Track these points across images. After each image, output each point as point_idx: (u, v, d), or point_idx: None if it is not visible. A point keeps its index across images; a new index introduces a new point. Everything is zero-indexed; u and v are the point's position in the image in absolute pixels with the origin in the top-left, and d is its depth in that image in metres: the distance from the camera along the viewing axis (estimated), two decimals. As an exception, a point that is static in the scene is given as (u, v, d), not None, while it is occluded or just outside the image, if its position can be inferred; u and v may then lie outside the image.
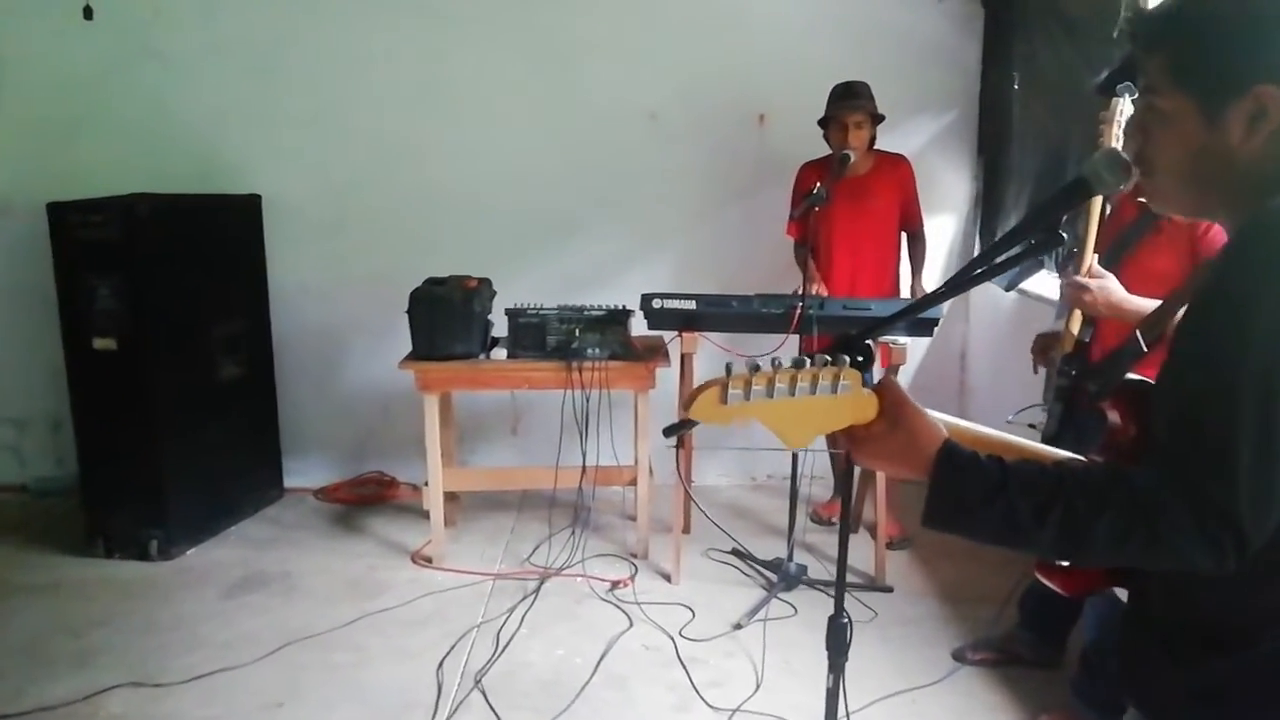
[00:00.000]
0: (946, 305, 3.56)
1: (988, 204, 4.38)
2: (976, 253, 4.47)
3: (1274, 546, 0.95)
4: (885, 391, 1.10)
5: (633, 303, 3.66)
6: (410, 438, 4.34)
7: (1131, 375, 1.48)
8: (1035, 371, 2.78)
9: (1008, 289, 4.06)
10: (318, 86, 4.29)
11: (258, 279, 4.31)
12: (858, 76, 3.83)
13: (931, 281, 4.08)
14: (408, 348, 3.68)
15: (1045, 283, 3.91)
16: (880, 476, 3.65)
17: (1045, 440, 2.76)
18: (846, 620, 1.70)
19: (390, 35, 4.26)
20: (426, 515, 3.77)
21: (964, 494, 1.03)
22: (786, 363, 1.03)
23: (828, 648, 1.72)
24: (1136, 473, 0.96)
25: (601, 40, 4.30)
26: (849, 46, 4.22)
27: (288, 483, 4.51)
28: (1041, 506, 0.99)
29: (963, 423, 1.21)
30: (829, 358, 1.04)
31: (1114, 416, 1.32)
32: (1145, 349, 1.26)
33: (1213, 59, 1.01)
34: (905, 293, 4.01)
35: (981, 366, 4.38)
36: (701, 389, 1.03)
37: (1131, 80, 2.23)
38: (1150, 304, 2.27)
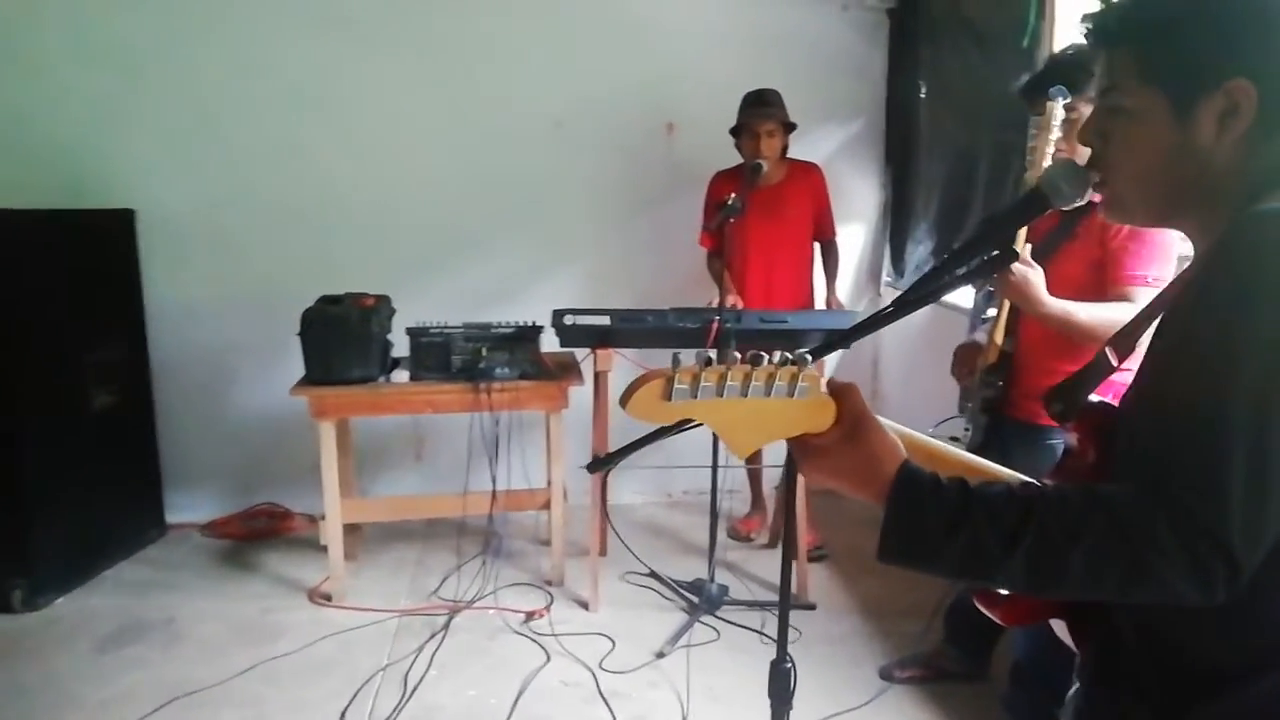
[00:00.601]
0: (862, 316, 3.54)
1: (896, 212, 4.37)
2: (886, 261, 4.47)
3: (1265, 582, 0.86)
4: (844, 398, 0.97)
5: (541, 319, 3.51)
6: (305, 465, 4.06)
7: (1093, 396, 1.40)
8: (963, 382, 2.73)
9: (919, 297, 4.05)
10: (195, 92, 3.99)
11: (133, 300, 3.99)
12: (765, 84, 3.77)
13: (843, 290, 4.05)
14: (301, 370, 3.44)
15: (957, 291, 3.91)
16: (801, 487, 3.57)
17: (971, 451, 2.73)
18: (790, 665, 1.57)
19: (277, 38, 3.99)
20: (324, 549, 3.52)
21: (925, 523, 0.92)
22: (738, 355, 0.92)
23: (770, 695, 1.60)
24: (1116, 495, 0.87)
25: (504, 46, 4.13)
26: (756, 54, 4.17)
27: (170, 518, 4.18)
28: (1010, 534, 0.88)
29: (917, 434, 1.10)
30: (789, 355, 0.91)
31: (1070, 438, 1.24)
32: (1115, 364, 1.17)
33: (1183, 52, 0.96)
34: (819, 303, 3.95)
35: (893, 374, 4.37)
36: (642, 381, 0.91)
37: (1064, 83, 2.21)
38: (1059, 305, 2.23)
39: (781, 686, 1.59)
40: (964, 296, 3.78)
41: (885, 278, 4.50)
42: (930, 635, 3.02)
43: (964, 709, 2.83)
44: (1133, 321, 1.18)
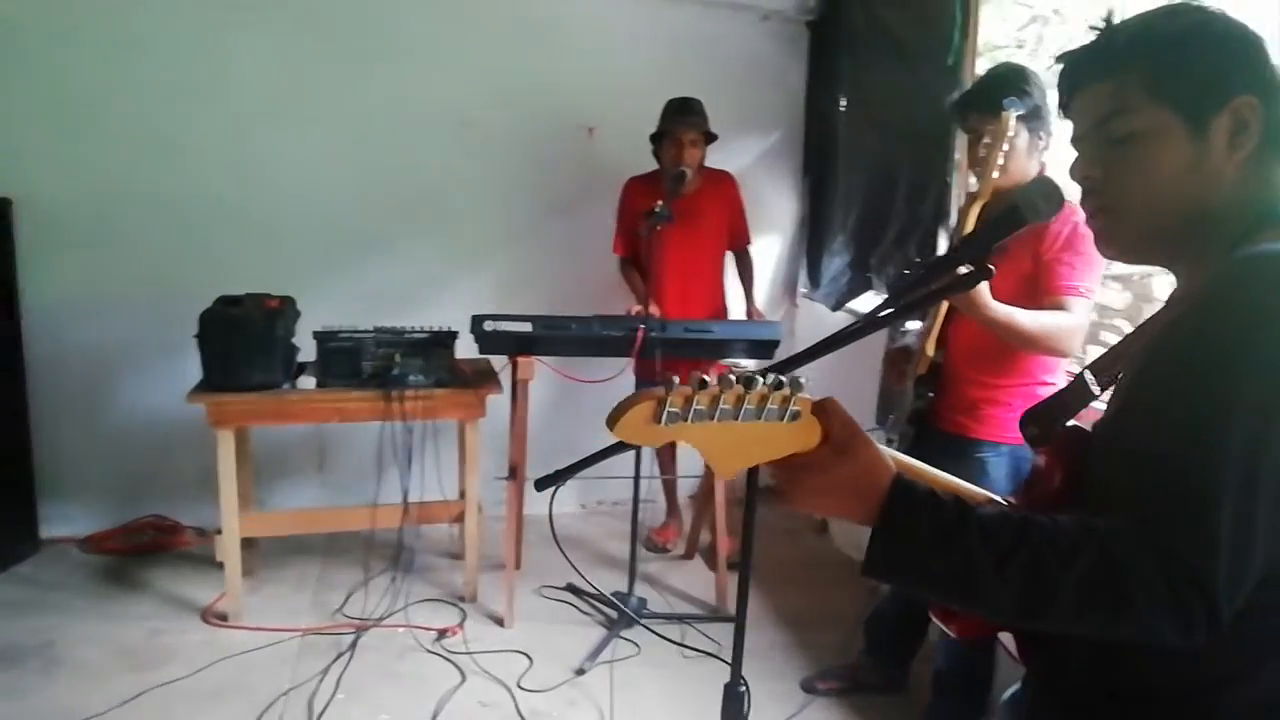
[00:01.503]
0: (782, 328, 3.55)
1: (813, 224, 4.40)
2: (803, 272, 4.49)
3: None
4: (830, 415, 0.94)
5: (452, 323, 3.39)
6: (195, 476, 3.85)
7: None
8: (897, 385, 2.73)
9: (834, 308, 4.08)
10: (80, 75, 3.69)
11: (6, 295, 3.67)
12: (685, 92, 3.74)
13: (759, 300, 4.04)
14: (193, 374, 3.22)
15: (872, 301, 3.96)
16: (720, 495, 3.54)
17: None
18: (744, 688, 1.51)
19: (168, 20, 3.73)
20: (218, 565, 3.30)
21: (919, 538, 0.90)
22: (733, 380, 0.88)
23: (723, 718, 1.54)
24: (1110, 531, 0.86)
25: (410, 38, 3.97)
26: (676, 61, 4.14)
27: (45, 532, 3.86)
28: (1003, 555, 0.87)
29: (900, 455, 1.08)
30: (782, 379, 0.89)
31: (1039, 460, 1.23)
32: (1097, 393, 1.16)
33: (1194, 69, 0.97)
34: (733, 313, 3.93)
35: (807, 385, 4.39)
36: (632, 402, 0.87)
37: (1015, 96, 2.23)
38: (1004, 311, 2.26)
39: (735, 709, 1.52)
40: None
41: (801, 289, 4.52)
42: (850, 648, 3.03)
43: (887, 717, 2.84)
44: (1112, 351, 1.17)
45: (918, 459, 2.77)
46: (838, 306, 4.05)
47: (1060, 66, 1.07)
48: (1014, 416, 2.60)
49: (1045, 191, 1.15)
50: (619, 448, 1.33)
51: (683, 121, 3.58)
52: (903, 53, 3.49)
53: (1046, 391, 2.53)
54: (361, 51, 3.93)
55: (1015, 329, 2.27)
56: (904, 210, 3.50)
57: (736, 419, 0.90)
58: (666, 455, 4.12)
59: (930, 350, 2.53)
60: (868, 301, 3.96)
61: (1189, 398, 0.88)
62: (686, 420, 0.88)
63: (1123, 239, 1.05)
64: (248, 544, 3.48)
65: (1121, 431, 1.00)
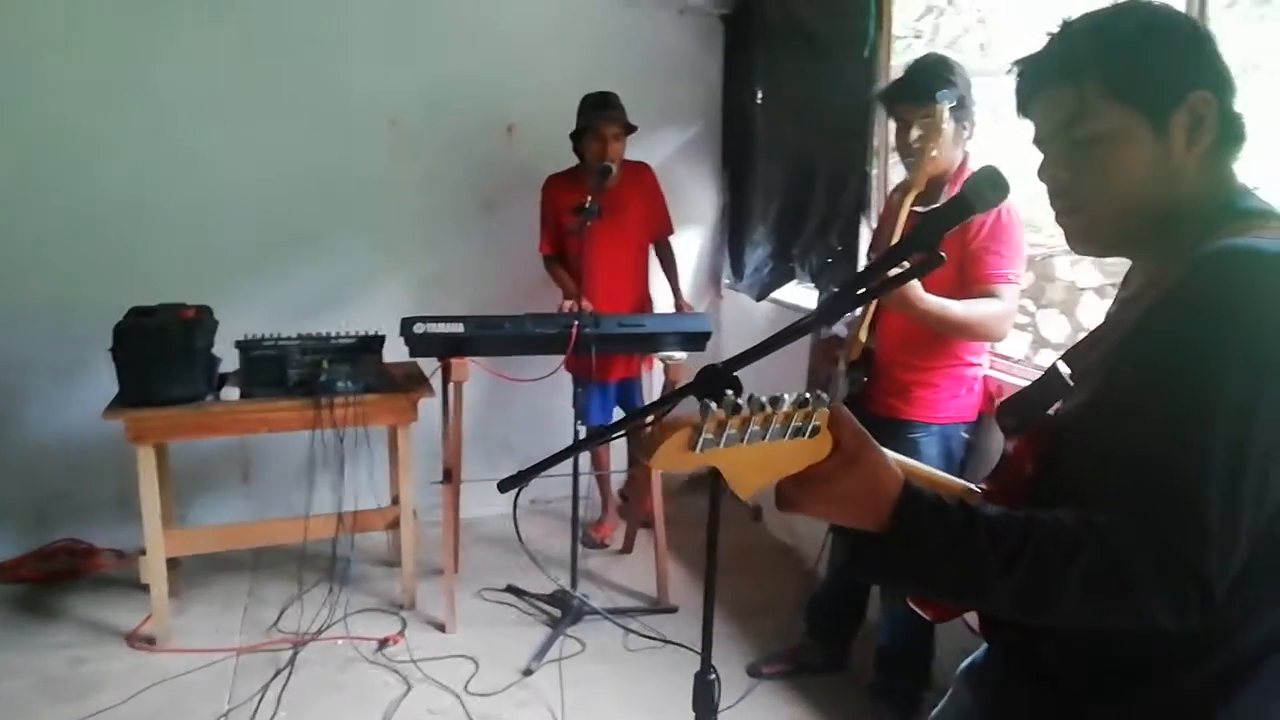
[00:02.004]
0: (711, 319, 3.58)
1: (734, 215, 4.45)
2: (726, 263, 4.54)
3: None
4: (842, 425, 0.94)
5: (375, 327, 3.33)
6: (109, 495, 3.71)
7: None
8: (823, 371, 2.78)
9: (759, 298, 4.14)
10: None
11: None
12: (604, 87, 3.74)
13: (684, 291, 4.06)
14: (102, 390, 3.11)
15: (796, 291, 4.03)
16: (657, 488, 3.55)
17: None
18: (714, 676, 1.53)
19: (73, 16, 3.56)
20: (139, 587, 3.19)
21: (928, 545, 0.92)
22: (763, 401, 0.87)
23: (694, 708, 1.56)
24: (1106, 526, 0.90)
25: (331, 37, 3.87)
26: (595, 56, 4.13)
27: (-53, 563, 3.66)
28: (1009, 555, 0.90)
29: (900, 457, 1.10)
30: (806, 396, 0.89)
31: (1009, 447, 1.27)
32: (1071, 384, 1.20)
33: (1151, 68, 1.00)
34: (659, 305, 3.95)
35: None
36: (667, 432, 0.86)
37: (938, 88, 2.30)
38: (935, 302, 2.33)
39: (706, 698, 1.54)
40: (807, 296, 3.91)
41: (725, 280, 4.58)
42: (792, 630, 3.09)
43: (830, 699, 2.91)
44: (1084, 341, 1.21)
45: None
46: (762, 296, 4.11)
47: (1017, 70, 1.10)
48: (943, 398, 2.70)
49: (993, 181, 1.20)
50: (580, 445, 1.33)
51: (604, 116, 3.58)
52: (817, 46, 3.55)
53: (972, 373, 2.63)
54: (282, 49, 3.82)
55: (950, 321, 2.35)
56: (824, 200, 3.57)
57: (764, 439, 0.89)
58: (601, 450, 4.12)
59: (863, 336, 2.59)
60: (791, 291, 4.03)
61: (1171, 399, 0.91)
62: (720, 446, 0.88)
63: (1093, 237, 1.09)
64: (171, 564, 3.35)
65: (1099, 427, 1.02)
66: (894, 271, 1.29)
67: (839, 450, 0.92)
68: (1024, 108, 1.10)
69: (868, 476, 0.92)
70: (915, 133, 2.45)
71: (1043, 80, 1.06)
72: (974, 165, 2.55)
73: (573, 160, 3.76)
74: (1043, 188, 1.15)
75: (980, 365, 2.63)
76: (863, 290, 1.35)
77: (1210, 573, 0.87)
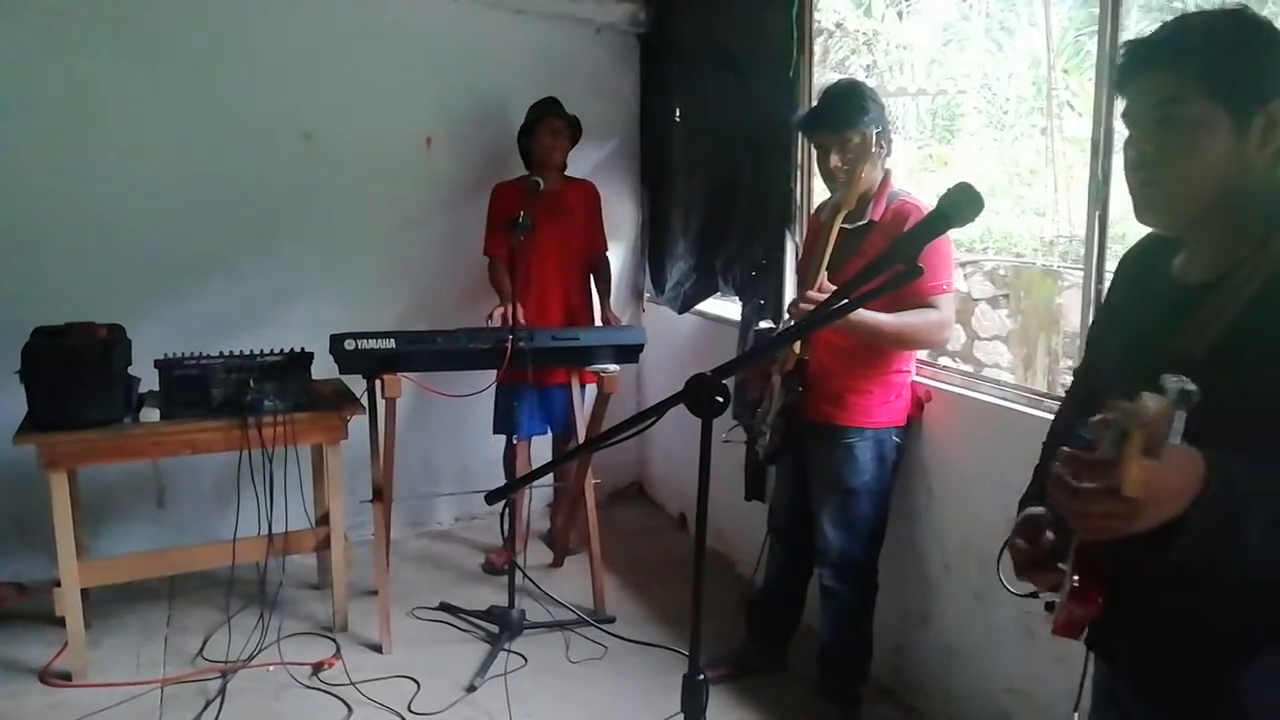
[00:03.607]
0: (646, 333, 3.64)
1: (654, 230, 4.52)
2: (647, 277, 4.61)
3: None
4: None
5: (297, 344, 3.25)
6: (7, 524, 3.51)
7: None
8: (753, 386, 2.87)
9: (681, 311, 4.22)
10: None
11: None
12: (522, 102, 3.81)
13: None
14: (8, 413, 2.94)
15: (718, 304, 4.13)
16: (591, 499, 3.57)
17: (767, 455, 2.89)
18: (704, 677, 1.58)
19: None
20: (46, 621, 3.05)
21: (1240, 503, 0.96)
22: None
23: (683, 709, 1.60)
24: None
25: (241, 51, 3.76)
26: (512, 71, 4.15)
27: None
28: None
29: None
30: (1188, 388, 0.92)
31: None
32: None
33: (1247, 72, 1.12)
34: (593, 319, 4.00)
35: (658, 385, 4.51)
36: (1132, 453, 0.89)
37: (854, 116, 2.43)
38: (870, 317, 2.45)
39: (694, 699, 1.59)
40: (730, 309, 4.00)
41: (646, 294, 4.64)
42: (730, 634, 3.16)
43: (775, 698, 2.98)
44: (1187, 330, 1.19)
45: (791, 450, 2.94)
46: (684, 309, 4.19)
47: (1125, 49, 1.20)
48: (875, 404, 2.83)
49: (969, 197, 1.29)
50: (573, 453, 1.34)
51: (554, 110, 3.70)
52: (738, 66, 3.65)
53: (902, 380, 2.76)
54: (188, 63, 3.69)
55: (882, 332, 2.48)
56: (747, 215, 3.66)
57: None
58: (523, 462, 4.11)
59: (796, 348, 2.69)
60: (714, 304, 4.13)
61: None
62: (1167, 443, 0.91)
63: (1163, 209, 1.19)
64: (81, 595, 3.19)
65: (1257, 398, 1.06)
66: (872, 285, 1.38)
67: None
68: (1123, 84, 1.21)
69: (1176, 456, 0.94)
70: (835, 159, 2.58)
71: (1149, 62, 1.16)
72: (894, 183, 2.70)
73: (489, 170, 3.82)
74: None
75: (909, 372, 2.77)
76: (845, 302, 1.42)
77: None
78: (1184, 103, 1.13)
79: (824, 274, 2.49)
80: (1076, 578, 1.16)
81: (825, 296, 2.40)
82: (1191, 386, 0.90)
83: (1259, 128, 1.12)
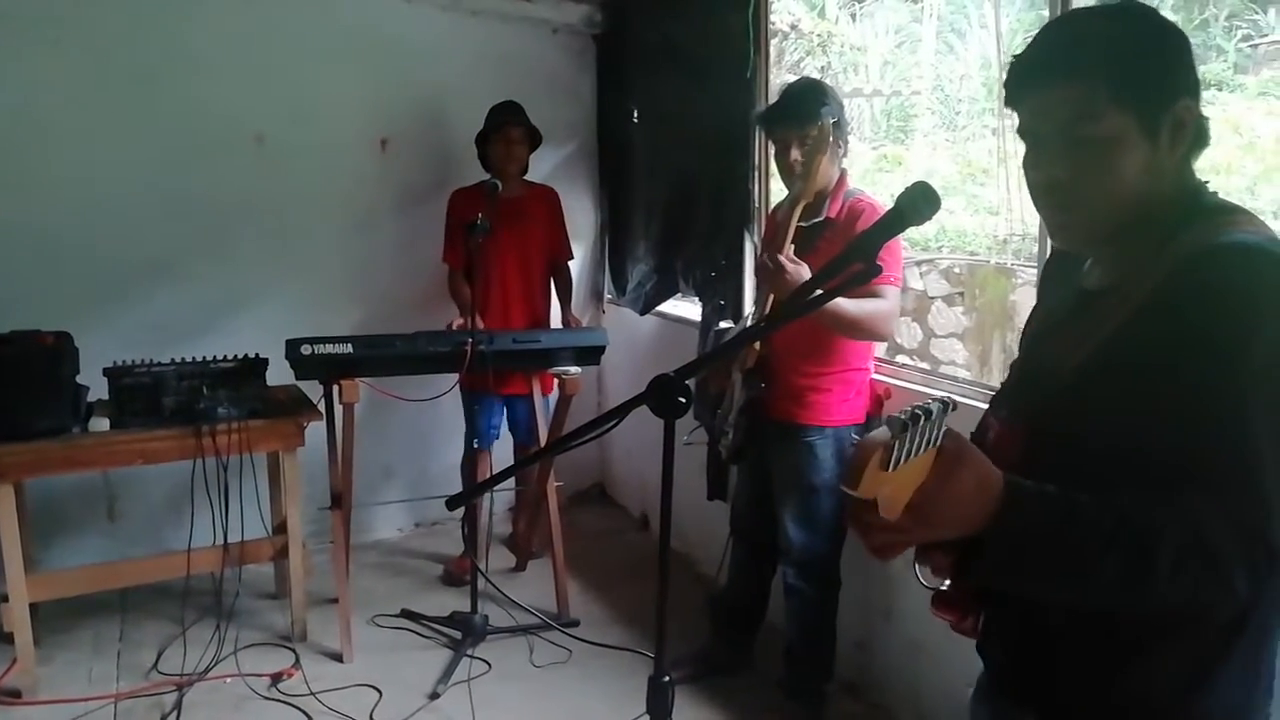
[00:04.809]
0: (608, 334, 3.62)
1: (614, 232, 4.51)
2: (607, 279, 4.60)
3: None
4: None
5: (250, 350, 3.19)
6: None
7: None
8: (721, 383, 2.87)
9: (643, 312, 4.22)
10: None
11: None
12: (478, 103, 3.77)
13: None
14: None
15: (679, 305, 4.14)
16: (553, 503, 3.55)
17: (731, 454, 2.90)
18: (669, 679, 1.57)
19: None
20: (-8, 639, 2.95)
21: (1041, 524, 0.94)
22: (916, 411, 0.88)
23: (649, 711, 1.59)
24: (1185, 506, 0.94)
25: (188, 54, 3.69)
26: (467, 72, 4.13)
27: None
28: (1109, 533, 0.93)
29: None
30: (929, 405, 0.90)
31: (991, 435, 1.30)
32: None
33: (1151, 75, 1.06)
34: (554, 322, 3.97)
35: (618, 387, 4.50)
36: (865, 458, 0.87)
37: (812, 111, 2.44)
38: (835, 302, 2.46)
39: (660, 702, 1.58)
40: (691, 309, 4.01)
41: (607, 295, 4.63)
42: (694, 633, 3.16)
43: (740, 697, 2.98)
44: (1058, 336, 1.21)
45: (752, 446, 2.95)
46: (646, 310, 4.19)
47: (1015, 62, 1.12)
48: (835, 402, 2.85)
49: (926, 195, 1.30)
50: (535, 457, 1.34)
51: (512, 119, 3.65)
52: (695, 67, 3.65)
53: (860, 377, 2.78)
54: (134, 66, 3.62)
55: (842, 316, 2.49)
56: (707, 215, 3.67)
57: (923, 450, 0.90)
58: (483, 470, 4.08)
59: (757, 345, 2.70)
60: (674, 305, 4.13)
61: (1210, 390, 0.97)
62: (904, 461, 0.88)
63: (1084, 232, 1.13)
64: (30, 610, 3.11)
65: (1119, 415, 1.04)
66: (831, 285, 1.38)
67: (943, 453, 0.93)
68: (1017, 101, 1.12)
69: (977, 465, 0.93)
70: (795, 154, 2.59)
71: (1049, 77, 1.08)
72: (849, 182, 2.73)
73: (446, 172, 3.78)
74: None
75: (868, 370, 2.79)
76: (814, 297, 1.42)
77: (1276, 537, 0.93)
78: (1095, 119, 1.05)
79: (790, 245, 2.48)
80: (948, 581, 1.17)
81: (786, 263, 2.41)
82: (935, 407, 0.88)
83: (1167, 131, 1.06)
